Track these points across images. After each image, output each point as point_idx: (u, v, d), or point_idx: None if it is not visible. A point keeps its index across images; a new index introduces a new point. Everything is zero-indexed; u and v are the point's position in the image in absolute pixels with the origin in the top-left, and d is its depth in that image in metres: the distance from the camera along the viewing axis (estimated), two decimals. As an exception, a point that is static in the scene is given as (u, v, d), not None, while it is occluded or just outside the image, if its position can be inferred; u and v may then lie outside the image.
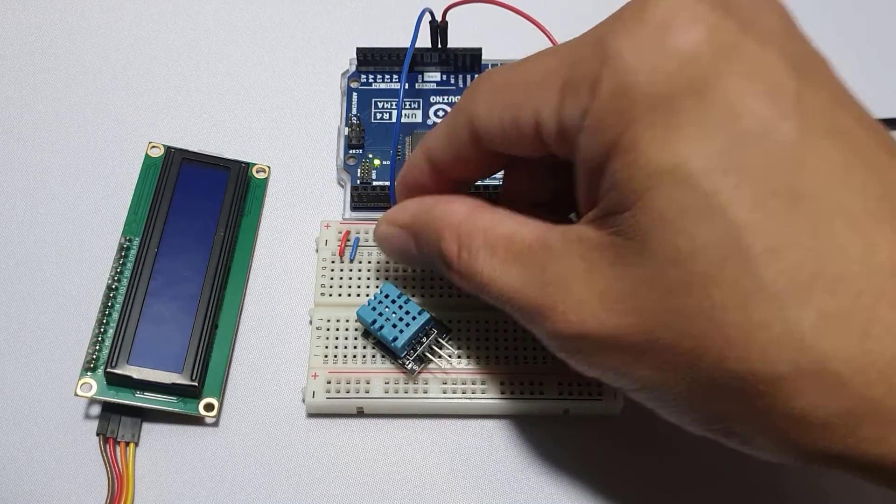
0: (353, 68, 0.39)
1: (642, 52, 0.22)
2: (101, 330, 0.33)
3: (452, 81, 0.39)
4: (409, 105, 0.38)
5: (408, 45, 0.33)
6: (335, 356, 0.32)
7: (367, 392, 0.32)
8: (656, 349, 0.23)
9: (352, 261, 0.34)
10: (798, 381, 0.21)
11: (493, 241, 0.27)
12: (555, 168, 0.28)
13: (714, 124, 0.21)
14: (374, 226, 0.35)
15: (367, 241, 0.35)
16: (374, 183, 0.36)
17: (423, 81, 0.39)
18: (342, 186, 0.37)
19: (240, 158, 0.37)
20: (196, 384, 0.31)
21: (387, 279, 0.34)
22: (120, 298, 0.33)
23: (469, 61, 0.39)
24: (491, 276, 0.26)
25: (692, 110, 0.21)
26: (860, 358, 0.20)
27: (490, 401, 0.32)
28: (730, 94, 0.21)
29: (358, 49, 0.39)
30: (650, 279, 0.22)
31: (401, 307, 0.32)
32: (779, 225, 0.21)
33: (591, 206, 0.25)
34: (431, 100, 0.38)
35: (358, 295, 0.34)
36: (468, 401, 0.32)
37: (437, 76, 0.39)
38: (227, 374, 0.33)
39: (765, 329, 0.21)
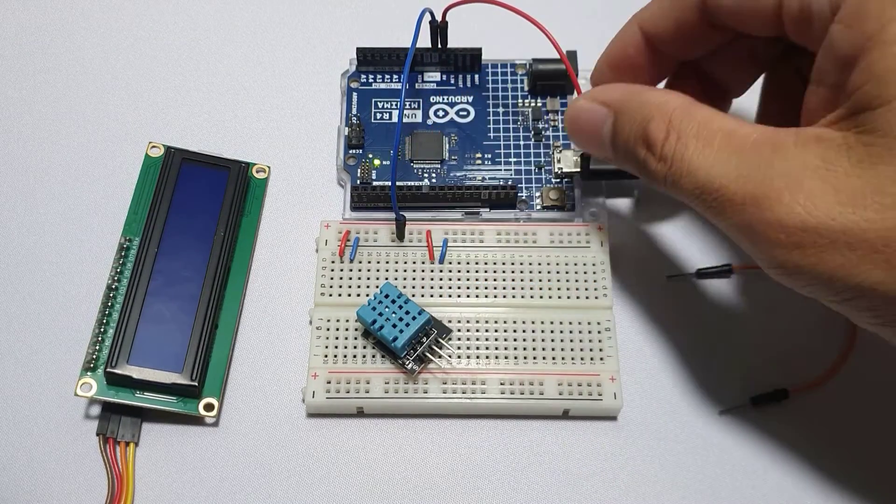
0: (353, 68, 0.39)
1: None
2: (101, 330, 0.33)
3: (452, 81, 0.39)
4: (409, 105, 0.38)
5: (407, 45, 0.33)
6: (335, 356, 0.32)
7: (367, 392, 0.32)
8: (894, 248, 0.22)
9: (352, 261, 0.34)
10: None
11: (710, 132, 0.26)
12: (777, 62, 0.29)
13: None
14: (373, 226, 0.35)
15: (367, 241, 0.35)
16: (374, 183, 0.36)
17: (423, 81, 0.39)
18: (342, 186, 0.37)
19: (240, 158, 0.37)
20: (196, 384, 0.31)
21: (387, 279, 0.34)
22: (120, 298, 0.33)
23: (469, 61, 0.39)
24: (701, 163, 0.26)
25: None
26: None
27: (490, 401, 0.32)
28: None
29: (358, 49, 0.39)
30: None
31: (401, 307, 0.32)
32: None
33: (827, 108, 0.24)
34: (431, 100, 0.38)
35: (358, 295, 0.34)
36: (468, 401, 0.32)
37: (437, 76, 0.39)
38: (227, 374, 0.33)
39: None
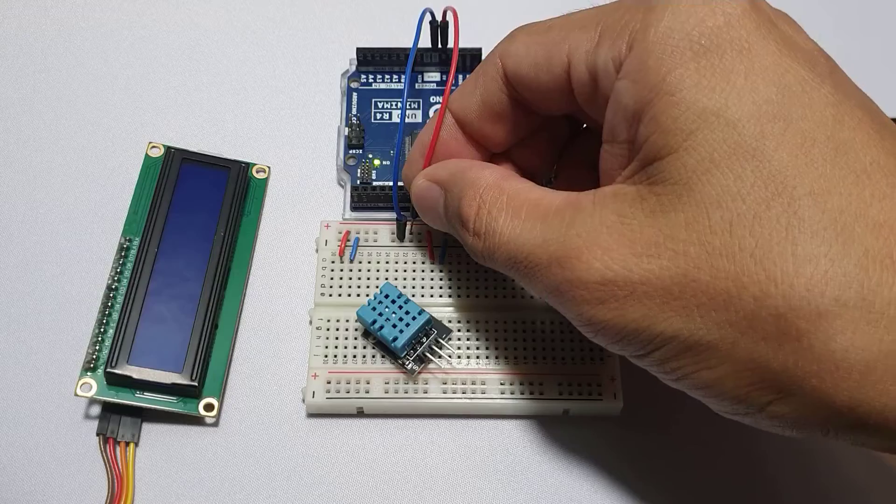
0: (353, 68, 0.39)
1: (691, 7, 0.23)
2: (101, 330, 0.33)
3: (452, 81, 0.39)
4: (410, 105, 0.38)
5: (407, 45, 0.33)
6: (335, 356, 0.32)
7: (367, 392, 0.32)
8: (689, 293, 0.22)
9: (352, 261, 0.34)
10: (841, 317, 0.21)
11: (518, 204, 0.27)
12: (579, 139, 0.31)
13: (760, 77, 0.23)
14: (373, 226, 0.35)
15: (367, 241, 0.35)
16: (374, 183, 0.36)
17: (422, 81, 0.39)
18: (342, 186, 0.37)
19: (240, 158, 0.37)
20: (196, 384, 0.31)
21: (387, 279, 0.34)
22: (120, 298, 0.33)
23: (469, 61, 0.39)
24: (511, 234, 0.27)
25: (738, 63, 0.23)
26: None
27: (490, 401, 0.32)
28: (774, 54, 0.23)
29: (358, 49, 0.39)
30: (691, 222, 0.22)
31: (401, 307, 0.32)
32: (821, 170, 0.22)
33: (623, 166, 0.25)
34: (431, 100, 0.38)
35: (358, 295, 0.34)
36: (468, 401, 0.32)
37: (437, 76, 0.39)
38: (227, 374, 0.33)
39: (810, 264, 0.21)
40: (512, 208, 0.27)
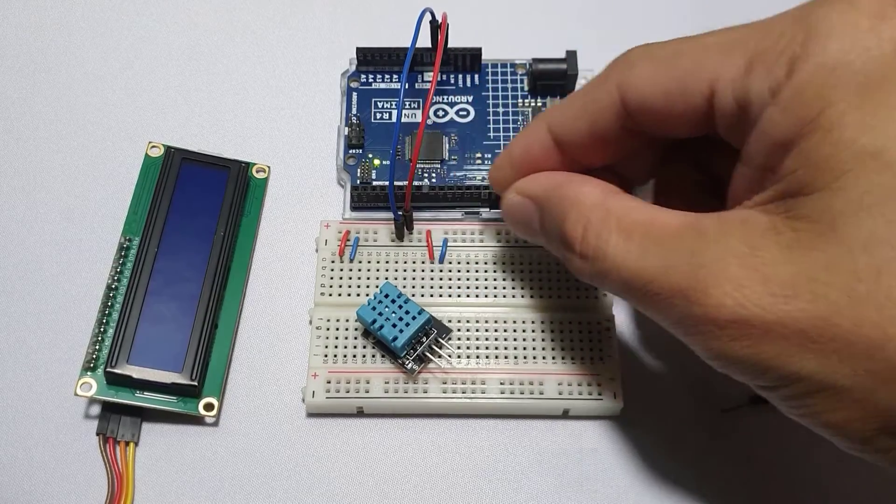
0: (353, 68, 0.39)
1: (856, 34, 0.22)
2: (101, 330, 0.33)
3: (452, 81, 0.39)
4: (409, 105, 0.38)
5: (406, 44, 0.33)
6: (335, 356, 0.32)
7: (367, 392, 0.32)
8: (828, 338, 0.21)
9: (352, 261, 0.34)
10: None
11: (629, 225, 0.25)
12: (701, 154, 0.29)
13: None
14: (373, 226, 0.35)
15: (366, 241, 0.35)
16: (374, 183, 0.36)
17: (423, 81, 0.39)
18: (342, 186, 0.37)
19: (240, 158, 0.37)
20: (196, 384, 0.31)
21: (387, 279, 0.34)
22: (120, 298, 0.33)
23: (469, 61, 0.39)
24: (624, 258, 0.25)
25: None
26: None
27: (490, 401, 0.32)
28: None
29: (358, 49, 0.39)
30: (833, 264, 0.21)
31: (401, 307, 0.32)
32: None
33: (755, 190, 0.24)
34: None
35: (358, 295, 0.34)
36: (468, 401, 0.32)
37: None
38: (227, 374, 0.33)
39: None
40: (623, 229, 0.25)
